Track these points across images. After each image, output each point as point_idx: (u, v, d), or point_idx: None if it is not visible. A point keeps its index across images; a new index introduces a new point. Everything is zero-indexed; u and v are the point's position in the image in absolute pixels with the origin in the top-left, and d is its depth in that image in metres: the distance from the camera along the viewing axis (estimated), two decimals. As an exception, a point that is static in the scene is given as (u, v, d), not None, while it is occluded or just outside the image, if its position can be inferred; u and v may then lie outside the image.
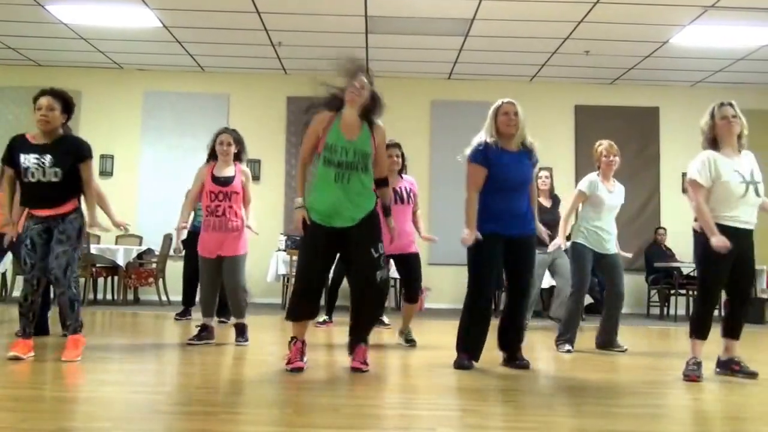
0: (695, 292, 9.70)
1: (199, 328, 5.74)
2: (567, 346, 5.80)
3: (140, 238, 10.54)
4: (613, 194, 5.88)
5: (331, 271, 5.01)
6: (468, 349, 4.78)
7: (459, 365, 4.71)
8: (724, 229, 4.49)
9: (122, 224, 5.45)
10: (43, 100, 4.68)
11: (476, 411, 3.62)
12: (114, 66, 11.09)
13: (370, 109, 4.45)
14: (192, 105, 11.09)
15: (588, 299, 9.71)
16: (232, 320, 5.91)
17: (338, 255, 4.57)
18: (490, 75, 10.94)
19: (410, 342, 5.93)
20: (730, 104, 4.66)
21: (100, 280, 10.01)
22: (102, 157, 10.99)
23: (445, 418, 3.43)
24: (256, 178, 10.91)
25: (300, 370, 4.38)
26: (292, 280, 9.72)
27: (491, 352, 4.94)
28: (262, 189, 10.86)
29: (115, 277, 9.86)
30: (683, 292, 10.10)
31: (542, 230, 5.03)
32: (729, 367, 4.71)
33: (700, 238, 4.58)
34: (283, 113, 11.13)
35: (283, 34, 9.44)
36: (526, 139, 4.79)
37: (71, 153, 4.68)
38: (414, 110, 11.19)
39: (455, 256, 10.38)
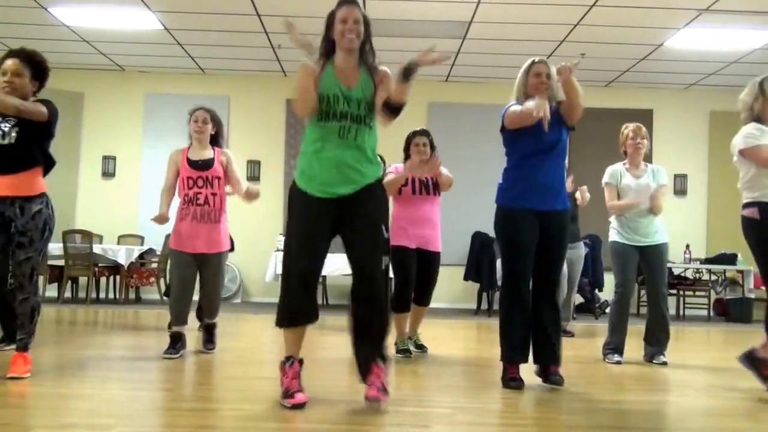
0: (711, 296, 9.73)
1: (172, 338, 5.02)
2: (616, 357, 5.21)
3: (142, 238, 10.61)
4: (641, 179, 5.35)
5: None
6: (514, 356, 4.10)
7: (507, 383, 4.06)
8: None
9: None
10: (9, 63, 3.88)
11: (468, 408, 3.65)
12: (116, 68, 11.16)
13: (365, 46, 3.61)
14: (192, 107, 11.14)
15: (579, 298, 9.83)
16: (204, 321, 5.35)
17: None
18: (488, 78, 10.99)
19: (420, 348, 5.57)
20: None
21: (102, 280, 10.09)
22: (104, 158, 11.08)
23: (439, 415, 3.47)
24: (255, 179, 11.04)
25: (303, 405, 3.40)
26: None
27: (482, 351, 4.91)
28: (261, 190, 10.91)
29: (117, 277, 9.94)
30: (674, 292, 10.18)
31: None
32: (759, 366, 4.16)
33: (757, 225, 4.11)
34: (283, 115, 11.20)
35: (282, 37, 9.41)
36: (557, 98, 4.21)
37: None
38: (411, 112, 10.98)
39: (450, 257, 10.46)
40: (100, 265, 9.62)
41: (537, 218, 4.10)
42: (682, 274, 10.45)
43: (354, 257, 3.50)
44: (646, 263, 5.29)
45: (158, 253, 9.94)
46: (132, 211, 10.94)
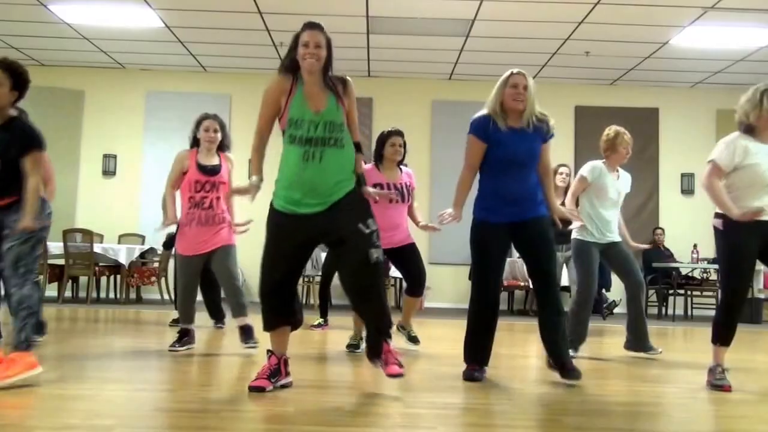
0: (719, 295, 9.66)
1: (179, 333, 5.26)
2: (570, 351, 5.26)
3: (143, 237, 10.57)
4: (619, 182, 5.51)
5: (308, 268, 4.40)
6: (475, 358, 4.33)
7: (468, 377, 4.25)
8: (744, 225, 4.04)
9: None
10: None
11: (476, 409, 3.62)
12: (117, 66, 11.12)
13: (327, 68, 3.74)
14: (194, 105, 10.94)
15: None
16: (235, 322, 5.29)
17: (325, 249, 4.03)
18: (491, 75, 10.72)
19: (413, 340, 5.62)
20: None
21: (103, 279, 10.05)
22: (105, 156, 11.03)
23: (445, 416, 3.43)
24: (257, 177, 10.97)
25: (260, 390, 3.69)
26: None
27: (491, 350, 4.87)
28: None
29: (118, 276, 9.88)
30: (681, 292, 10.14)
31: (562, 210, 4.44)
32: None
33: (721, 236, 4.17)
34: (285, 113, 11.16)
35: (284, 35, 9.35)
36: (536, 112, 4.25)
37: (18, 143, 3.83)
38: (415, 110, 11.19)
39: (455, 256, 10.47)
40: (100, 264, 9.57)
41: (510, 230, 4.21)
42: (690, 274, 10.38)
43: (344, 254, 3.74)
44: (616, 257, 5.43)
45: (159, 252, 9.88)
46: (133, 210, 10.91)
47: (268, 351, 3.86)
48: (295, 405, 3.51)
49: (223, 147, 5.33)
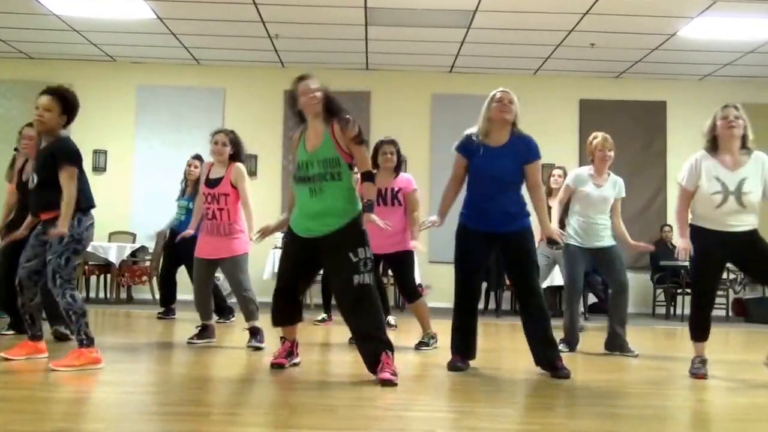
0: (729, 294, 9.75)
1: (199, 327, 5.63)
2: (566, 349, 5.53)
3: (134, 235, 10.43)
4: (602, 188, 5.68)
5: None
6: (459, 349, 4.65)
7: (452, 367, 4.58)
8: (711, 234, 4.53)
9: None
10: (42, 99, 4.48)
11: (474, 413, 3.56)
12: (107, 59, 10.92)
13: (329, 111, 4.27)
14: (187, 99, 10.92)
15: (592, 298, 9.58)
16: (246, 324, 5.57)
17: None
18: (493, 68, 10.77)
19: (419, 345, 5.72)
20: (735, 106, 4.58)
21: (93, 278, 9.90)
22: (95, 152, 10.82)
23: (443, 419, 3.40)
24: (252, 173, 10.74)
25: (280, 366, 4.42)
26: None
27: (489, 353, 4.93)
28: (258, 185, 10.65)
29: (108, 275, 9.74)
30: (690, 291, 9.91)
31: (554, 231, 4.86)
32: None
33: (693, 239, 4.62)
34: (280, 107, 10.90)
35: (280, 26, 9.28)
36: (518, 130, 4.58)
37: (51, 160, 4.40)
38: (414, 104, 11.04)
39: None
40: (90, 263, 9.45)
41: (489, 239, 4.54)
42: (696, 273, 10.17)
43: (332, 277, 4.39)
44: (603, 262, 5.75)
45: (151, 250, 9.77)
46: (124, 208, 10.74)
47: (282, 338, 4.52)
48: (289, 408, 3.49)
49: (236, 158, 5.54)
